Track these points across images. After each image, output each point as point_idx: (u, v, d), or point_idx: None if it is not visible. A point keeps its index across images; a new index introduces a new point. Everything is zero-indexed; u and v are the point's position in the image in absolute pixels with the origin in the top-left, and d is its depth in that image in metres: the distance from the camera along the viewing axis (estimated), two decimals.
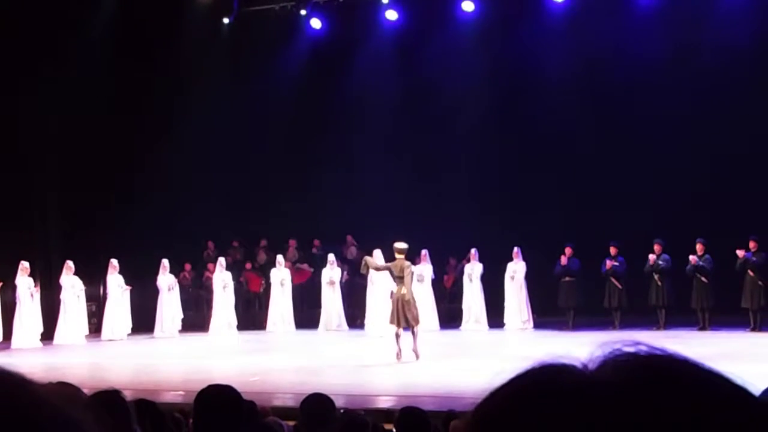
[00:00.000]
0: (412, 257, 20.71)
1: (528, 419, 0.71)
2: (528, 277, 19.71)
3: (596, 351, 0.76)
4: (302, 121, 23.19)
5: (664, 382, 0.71)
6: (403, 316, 14.15)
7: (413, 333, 14.37)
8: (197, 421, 4.01)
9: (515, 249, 19.77)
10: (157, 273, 21.00)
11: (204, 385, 4.11)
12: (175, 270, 21.47)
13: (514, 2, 21.49)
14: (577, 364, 0.75)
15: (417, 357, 14.24)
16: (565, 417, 0.70)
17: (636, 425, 0.68)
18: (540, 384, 0.74)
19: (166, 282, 21.07)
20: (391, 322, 14.57)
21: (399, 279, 14.41)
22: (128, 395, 4.73)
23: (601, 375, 0.73)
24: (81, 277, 20.21)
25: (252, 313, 22.40)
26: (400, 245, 14.55)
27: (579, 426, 0.69)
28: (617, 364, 0.74)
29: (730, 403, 0.71)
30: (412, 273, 15.23)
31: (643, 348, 0.75)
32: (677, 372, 0.73)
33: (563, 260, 19.07)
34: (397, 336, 14.42)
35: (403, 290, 14.24)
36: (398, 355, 14.36)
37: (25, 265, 19.28)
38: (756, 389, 0.76)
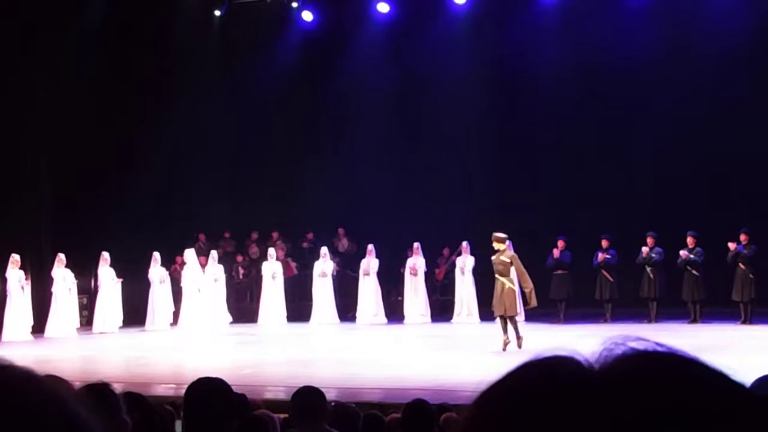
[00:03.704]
0: (404, 250, 20.83)
1: (530, 414, 0.70)
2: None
3: (600, 346, 0.74)
4: (294, 114, 23.16)
5: (669, 379, 0.70)
6: (501, 304, 14.10)
7: (513, 323, 14.29)
8: (187, 414, 4.01)
9: (507, 242, 19.73)
10: (148, 265, 20.95)
11: (195, 378, 4.11)
12: (166, 262, 21.43)
13: None
14: (579, 358, 0.74)
15: (516, 344, 14.08)
16: (567, 412, 0.69)
17: (640, 422, 0.67)
18: (542, 378, 0.72)
19: (158, 274, 21.03)
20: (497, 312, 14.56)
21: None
22: (119, 388, 4.73)
23: (605, 370, 0.72)
24: (72, 270, 20.15)
25: (243, 306, 22.39)
26: (502, 234, 14.35)
27: (581, 422, 0.68)
28: (621, 360, 0.72)
29: (733, 401, 0.70)
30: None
31: (648, 344, 0.74)
32: (682, 370, 0.72)
33: (555, 253, 19.12)
34: (503, 326, 14.33)
35: (505, 281, 14.15)
36: (507, 344, 14.18)
37: (15, 258, 19.21)
38: (747, 382, 0.75)
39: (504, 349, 14.04)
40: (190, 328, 19.90)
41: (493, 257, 14.62)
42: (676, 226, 18.24)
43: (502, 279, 14.25)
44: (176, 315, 21.30)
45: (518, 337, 14.25)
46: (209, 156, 22.91)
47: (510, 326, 14.27)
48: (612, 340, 0.75)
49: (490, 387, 0.74)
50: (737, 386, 0.72)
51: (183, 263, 21.77)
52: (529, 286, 14.27)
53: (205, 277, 20.78)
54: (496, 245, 14.41)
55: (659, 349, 0.73)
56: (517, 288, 14.34)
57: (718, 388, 0.71)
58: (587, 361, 0.74)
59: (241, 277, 22.66)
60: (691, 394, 0.69)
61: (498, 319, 15.33)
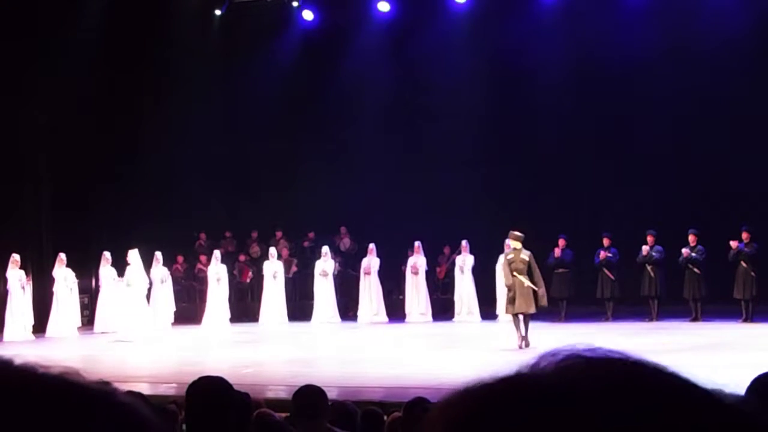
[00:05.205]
0: (405, 249, 20.83)
1: (486, 428, 0.70)
2: None
3: (550, 357, 0.74)
4: (294, 113, 23.14)
5: (623, 386, 0.70)
6: (529, 302, 14.08)
7: (525, 321, 14.30)
8: (188, 413, 4.01)
9: (507, 240, 19.73)
10: (149, 265, 20.93)
11: (196, 377, 4.11)
12: (167, 262, 21.43)
13: None
14: (533, 371, 0.74)
15: (527, 345, 14.11)
16: (523, 426, 0.69)
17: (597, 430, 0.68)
18: (496, 393, 0.72)
19: (159, 274, 21.03)
20: (508, 311, 14.58)
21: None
22: (121, 388, 4.73)
23: (558, 381, 0.71)
24: (73, 270, 20.16)
25: (245, 305, 22.39)
26: (520, 233, 14.34)
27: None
28: (574, 370, 0.72)
29: (692, 406, 0.70)
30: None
31: (602, 351, 0.74)
32: (638, 376, 0.72)
33: (556, 252, 19.11)
34: (517, 324, 14.35)
35: (524, 279, 14.13)
36: (521, 342, 14.24)
37: (15, 258, 19.21)
38: (743, 382, 0.75)
39: (521, 347, 14.09)
40: (139, 328, 19.40)
41: (511, 255, 14.61)
42: (677, 224, 18.24)
43: (521, 277, 14.25)
44: (176, 314, 21.35)
45: (524, 337, 14.30)
46: (210, 155, 22.89)
47: (522, 324, 14.31)
48: (564, 350, 0.75)
49: (446, 400, 0.74)
50: (701, 392, 0.72)
51: (181, 263, 21.79)
52: (542, 285, 14.36)
53: (145, 279, 20.35)
54: (514, 243, 14.42)
55: (616, 356, 0.73)
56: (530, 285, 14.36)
57: (680, 394, 0.71)
58: (541, 372, 0.73)
59: (248, 280, 22.56)
60: (653, 403, 0.69)
61: (509, 318, 15.41)
